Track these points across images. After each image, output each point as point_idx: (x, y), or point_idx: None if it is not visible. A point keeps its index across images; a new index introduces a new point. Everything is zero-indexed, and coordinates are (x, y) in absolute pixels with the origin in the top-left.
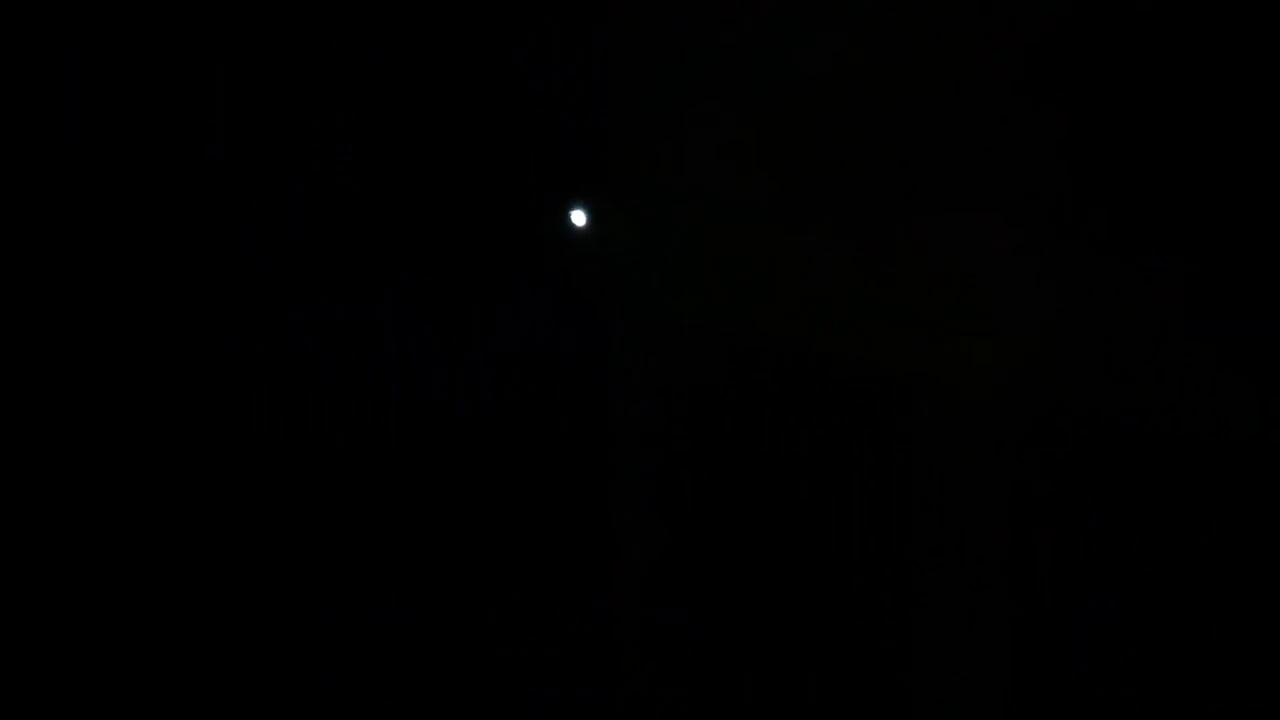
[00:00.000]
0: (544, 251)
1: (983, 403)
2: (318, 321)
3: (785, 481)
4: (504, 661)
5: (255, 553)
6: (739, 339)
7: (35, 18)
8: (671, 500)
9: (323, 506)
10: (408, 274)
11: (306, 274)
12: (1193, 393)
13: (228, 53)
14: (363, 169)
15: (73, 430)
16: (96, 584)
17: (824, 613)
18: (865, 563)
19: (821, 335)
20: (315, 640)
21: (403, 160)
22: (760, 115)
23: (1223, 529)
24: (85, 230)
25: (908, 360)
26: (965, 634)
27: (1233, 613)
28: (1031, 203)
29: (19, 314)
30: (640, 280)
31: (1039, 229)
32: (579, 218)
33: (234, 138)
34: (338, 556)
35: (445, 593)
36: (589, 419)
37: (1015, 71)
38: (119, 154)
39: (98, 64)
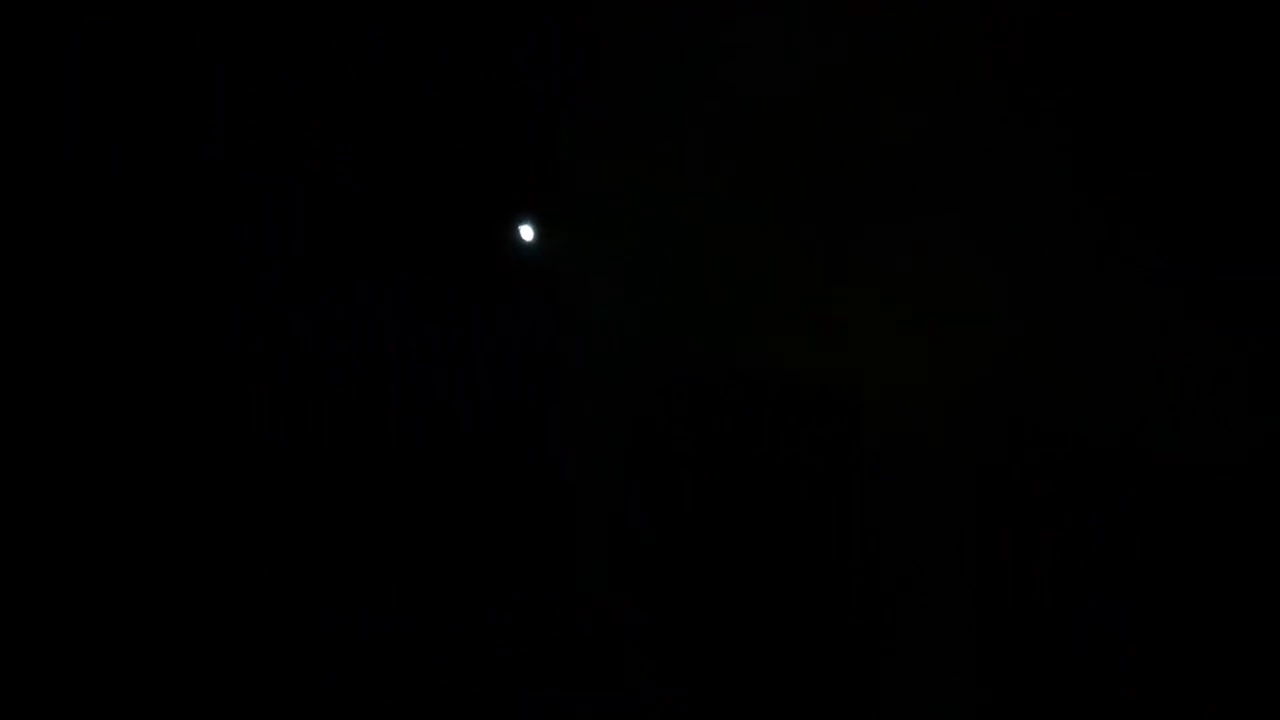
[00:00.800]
0: (494, 265)
1: (951, 413)
2: (315, 321)
3: (746, 492)
4: (499, 661)
5: (255, 552)
6: (693, 352)
7: (35, 18)
8: (629, 511)
9: (318, 506)
10: (364, 284)
11: (294, 274)
12: (1164, 404)
13: (228, 53)
14: (331, 174)
15: (73, 430)
16: (97, 584)
17: (786, 620)
18: (829, 574)
19: (779, 346)
20: (314, 640)
21: (361, 167)
22: (715, 125)
23: (1191, 540)
24: (85, 230)
25: (870, 370)
26: (927, 645)
27: (1206, 622)
28: (998, 209)
29: (19, 314)
30: (593, 294)
31: (1007, 236)
32: (527, 232)
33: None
34: (336, 557)
35: (426, 593)
36: (545, 433)
37: (978, 78)
38: (119, 154)
39: (98, 64)
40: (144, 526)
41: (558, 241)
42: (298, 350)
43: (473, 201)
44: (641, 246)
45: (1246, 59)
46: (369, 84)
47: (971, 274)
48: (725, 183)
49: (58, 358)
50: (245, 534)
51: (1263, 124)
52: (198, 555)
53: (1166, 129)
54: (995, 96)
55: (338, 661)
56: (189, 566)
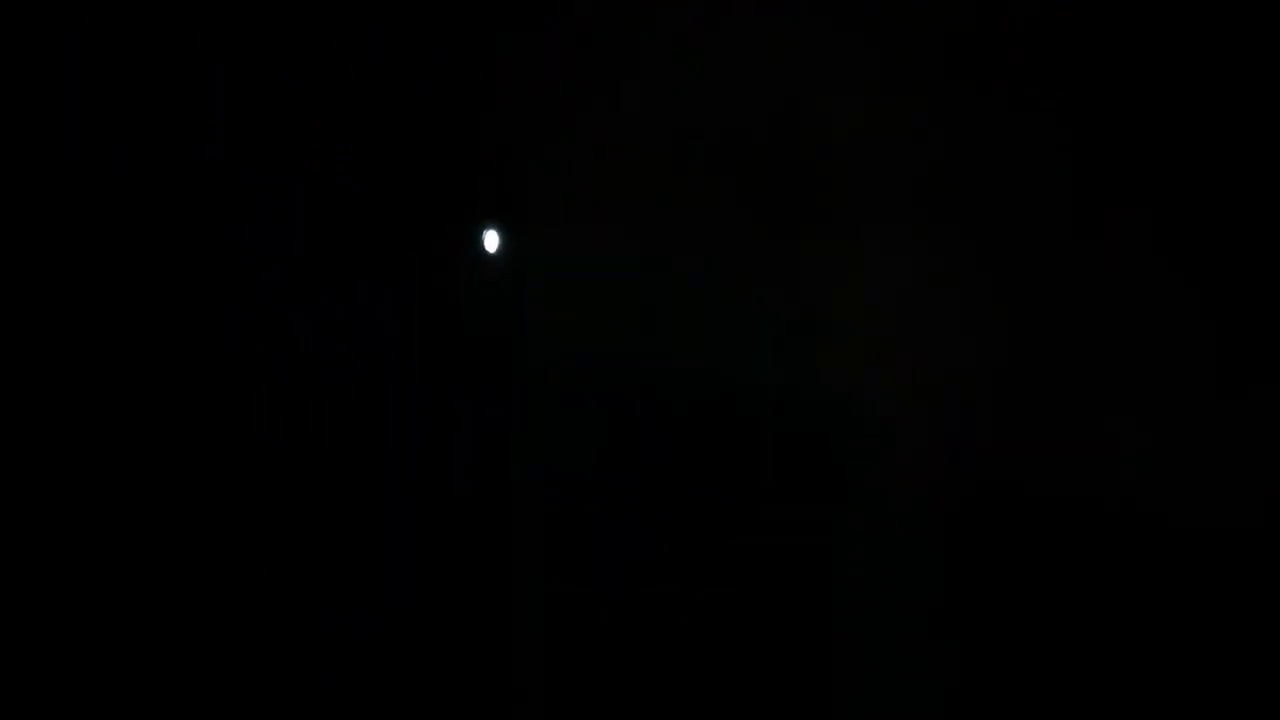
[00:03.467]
0: (454, 276)
1: (933, 429)
2: (317, 321)
3: (697, 513)
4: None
5: (255, 552)
6: (653, 370)
7: (35, 18)
8: (582, 535)
9: (321, 506)
10: (332, 285)
11: (301, 274)
12: (1134, 439)
13: (228, 53)
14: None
15: (73, 430)
16: (96, 584)
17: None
18: (802, 594)
19: (740, 365)
20: (315, 640)
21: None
22: (692, 133)
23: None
24: (85, 230)
25: (836, 388)
26: (903, 678)
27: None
28: (988, 214)
29: (19, 314)
30: (551, 307)
31: (999, 241)
32: (492, 241)
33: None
34: (338, 556)
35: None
36: (499, 448)
37: (969, 79)
38: (119, 154)
39: (98, 64)
40: (144, 526)
41: (525, 250)
42: (281, 350)
43: (437, 209)
44: (611, 255)
45: (1246, 59)
46: (347, 84)
47: (960, 282)
48: (700, 191)
49: (57, 358)
50: (244, 534)
51: (1263, 124)
52: (198, 555)
53: (1161, 129)
54: (986, 98)
55: (338, 661)
56: (189, 566)
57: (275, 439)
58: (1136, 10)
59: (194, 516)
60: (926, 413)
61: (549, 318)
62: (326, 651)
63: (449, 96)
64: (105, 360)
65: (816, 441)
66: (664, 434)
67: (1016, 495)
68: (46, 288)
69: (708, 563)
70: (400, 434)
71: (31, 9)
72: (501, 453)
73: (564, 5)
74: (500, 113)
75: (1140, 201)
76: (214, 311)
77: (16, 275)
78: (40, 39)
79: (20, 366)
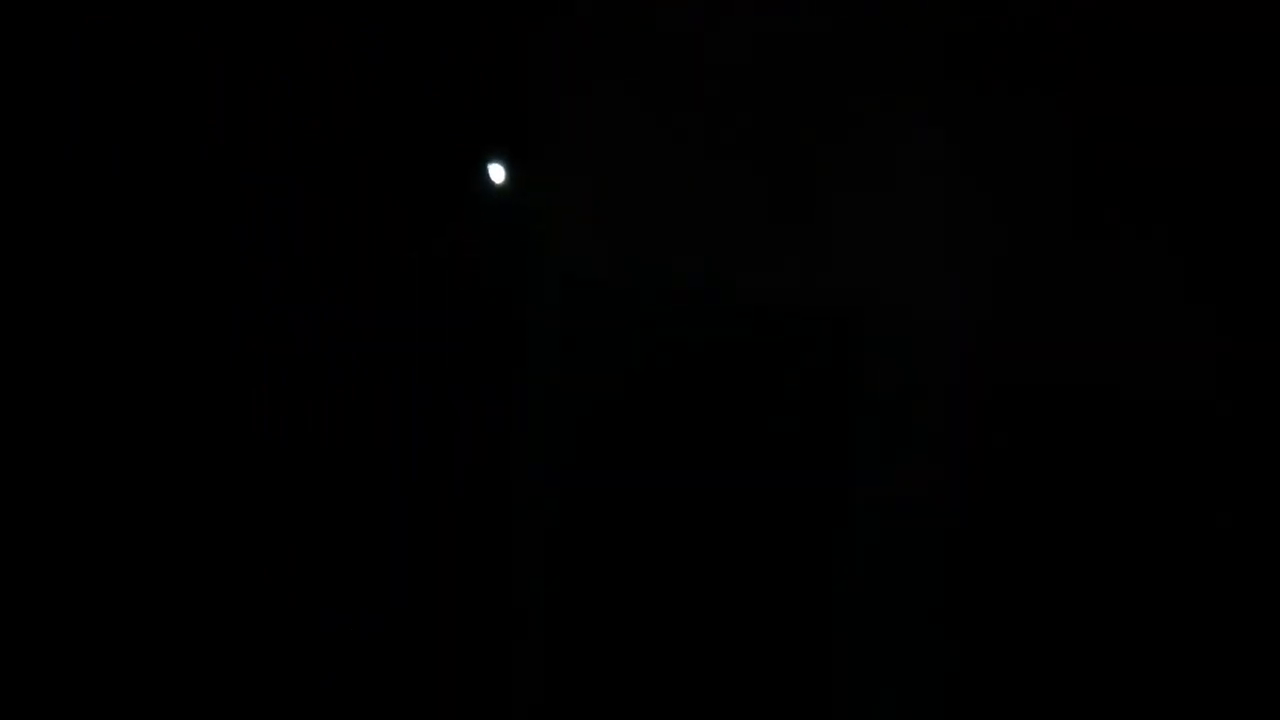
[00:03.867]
0: (464, 208)
1: (934, 352)
2: (318, 319)
3: (717, 437)
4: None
5: (255, 552)
6: (664, 292)
7: (35, 18)
8: (597, 462)
9: (323, 506)
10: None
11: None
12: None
13: (228, 53)
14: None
15: (73, 430)
16: (97, 583)
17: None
18: (820, 515)
19: (752, 286)
20: (315, 640)
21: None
22: (673, 136)
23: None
24: (85, 230)
25: (846, 306)
26: (903, 625)
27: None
28: (977, 149)
29: (19, 314)
30: (562, 235)
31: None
32: (497, 173)
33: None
34: (338, 556)
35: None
36: (508, 387)
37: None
38: (119, 154)
39: (98, 64)
40: (144, 526)
41: (530, 179)
42: (280, 348)
43: (444, 143)
44: (616, 181)
45: (1247, 59)
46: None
47: (960, 202)
48: (700, 182)
49: (57, 358)
50: (245, 534)
51: (1262, 123)
52: (198, 555)
53: (1161, 129)
54: (986, 98)
55: (338, 661)
56: (190, 566)
57: (275, 437)
58: (1136, 10)
59: (194, 515)
60: (934, 329)
61: (551, 310)
62: (326, 651)
63: (447, 92)
64: (106, 360)
65: (828, 355)
66: (680, 369)
67: (1032, 399)
68: (47, 287)
69: (727, 488)
70: (400, 431)
71: (31, 9)
72: (501, 450)
73: (564, 3)
74: (497, 111)
75: (1139, 198)
76: (211, 308)
77: (16, 275)
78: (40, 39)
79: (20, 365)
